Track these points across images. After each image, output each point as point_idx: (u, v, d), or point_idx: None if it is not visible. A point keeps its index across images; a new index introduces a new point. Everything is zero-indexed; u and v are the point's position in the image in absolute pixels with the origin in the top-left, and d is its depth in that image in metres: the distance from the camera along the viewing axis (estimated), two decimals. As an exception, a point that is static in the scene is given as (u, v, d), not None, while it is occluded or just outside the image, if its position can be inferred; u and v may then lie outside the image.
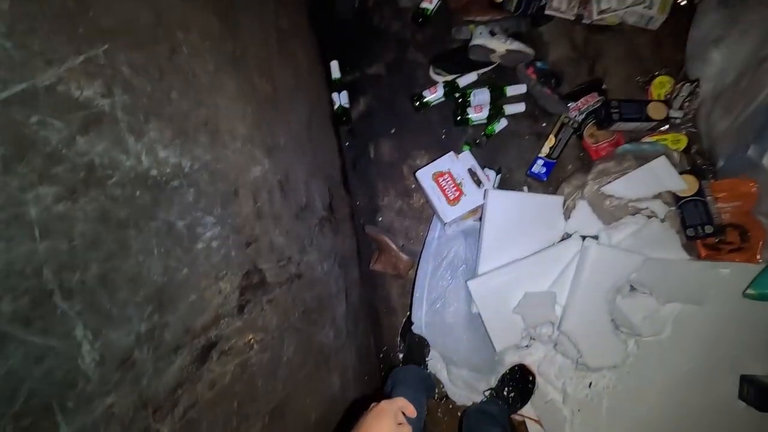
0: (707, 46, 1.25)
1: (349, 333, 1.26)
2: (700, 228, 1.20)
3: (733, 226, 1.21)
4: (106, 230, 0.48)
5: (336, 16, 1.60)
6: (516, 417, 1.42)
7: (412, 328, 1.39)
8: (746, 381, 1.13)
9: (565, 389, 1.31)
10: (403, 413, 0.69)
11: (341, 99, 1.56)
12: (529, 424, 1.41)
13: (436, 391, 1.48)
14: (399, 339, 1.52)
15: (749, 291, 1.13)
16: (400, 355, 1.50)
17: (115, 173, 0.50)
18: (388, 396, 0.89)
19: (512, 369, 1.40)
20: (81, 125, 0.46)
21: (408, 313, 1.48)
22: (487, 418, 1.27)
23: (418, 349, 1.44)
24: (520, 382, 1.38)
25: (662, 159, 1.22)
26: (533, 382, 1.38)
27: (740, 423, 1.14)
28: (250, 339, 0.73)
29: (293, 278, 0.93)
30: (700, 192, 1.21)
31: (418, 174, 1.39)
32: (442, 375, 1.47)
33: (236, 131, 0.79)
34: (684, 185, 1.21)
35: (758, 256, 1.18)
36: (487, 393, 1.39)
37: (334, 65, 1.57)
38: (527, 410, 1.40)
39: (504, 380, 1.39)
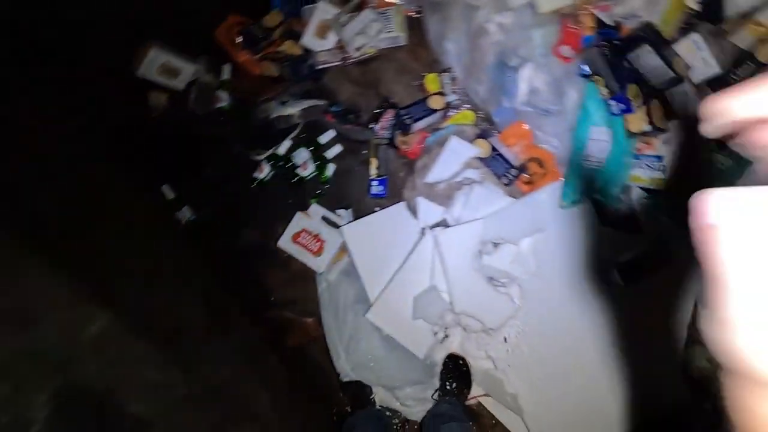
0: (441, 41, 1.53)
1: (282, 418, 1.27)
2: (508, 174, 1.42)
3: (530, 159, 1.45)
4: None
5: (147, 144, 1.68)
6: (470, 403, 1.50)
7: (341, 377, 1.43)
8: (611, 265, 1.34)
9: (490, 355, 1.42)
10: None
11: (186, 214, 1.62)
12: (484, 401, 1.49)
13: (396, 421, 1.51)
14: (341, 394, 1.54)
15: (562, 203, 1.35)
16: (348, 409, 1.52)
17: None
18: None
19: (444, 363, 1.49)
20: None
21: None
22: (442, 418, 1.34)
23: (359, 393, 1.47)
24: (456, 371, 1.47)
25: (453, 138, 1.45)
26: (466, 364, 1.47)
27: (615, 300, 1.34)
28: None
29: (180, 401, 0.94)
30: (494, 148, 1.44)
31: (279, 244, 1.48)
32: (394, 404, 1.51)
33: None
34: (479, 149, 1.43)
35: (558, 174, 1.42)
36: (435, 396, 1.46)
37: (166, 189, 1.64)
38: (476, 390, 1.49)
39: (443, 376, 1.47)
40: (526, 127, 1.43)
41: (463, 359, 1.48)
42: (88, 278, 0.96)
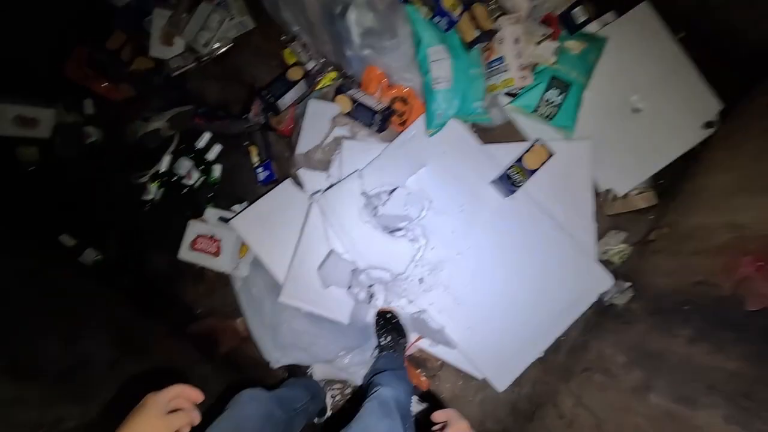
0: (278, 12, 1.50)
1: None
2: (374, 120, 1.41)
3: (393, 100, 1.44)
4: None
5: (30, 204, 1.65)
6: (412, 351, 1.50)
7: (271, 365, 1.43)
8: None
9: (411, 300, 1.42)
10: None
11: (90, 256, 1.60)
12: (423, 345, 1.49)
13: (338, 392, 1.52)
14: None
15: (429, 131, 1.34)
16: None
17: None
18: None
19: (375, 321, 1.48)
20: None
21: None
22: (376, 371, 1.34)
23: (294, 371, 1.48)
24: (387, 325, 1.47)
25: (311, 102, 1.44)
26: (394, 316, 1.47)
27: (503, 207, 1.34)
28: None
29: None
30: (354, 100, 1.42)
31: (180, 256, 1.47)
32: (339, 375, 1.51)
33: None
34: (339, 105, 1.42)
35: (421, 104, 1.41)
36: (375, 353, 1.46)
37: (64, 237, 1.61)
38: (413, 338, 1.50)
39: (378, 334, 1.47)
40: (378, 70, 1.41)
41: (390, 312, 1.48)
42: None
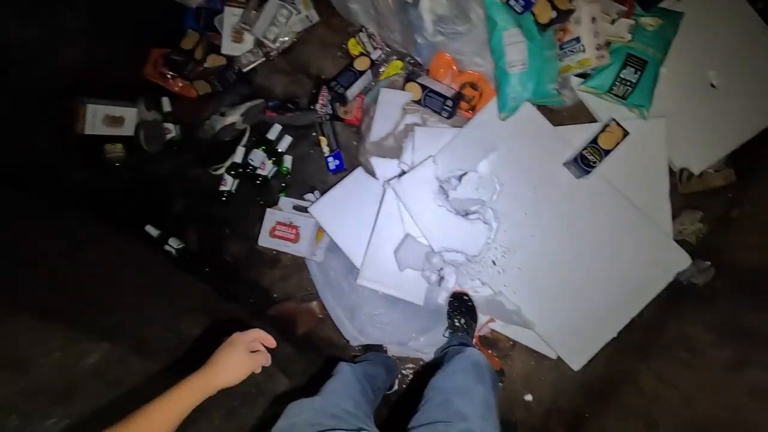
0: (345, 4, 1.55)
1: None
2: (445, 106, 1.43)
3: (462, 86, 1.46)
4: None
5: (116, 197, 1.77)
6: (484, 333, 1.54)
7: (351, 344, 1.49)
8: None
9: (484, 282, 1.45)
10: (264, 345, 0.73)
11: (173, 245, 1.71)
12: (495, 327, 1.52)
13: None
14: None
15: (501, 115, 1.36)
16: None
17: None
18: None
19: (450, 302, 1.52)
20: None
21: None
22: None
23: (372, 348, 1.55)
24: (461, 307, 1.51)
25: (383, 90, 1.48)
26: (470, 299, 1.51)
27: (576, 188, 1.35)
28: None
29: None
30: (424, 87, 1.45)
31: (260, 243, 1.55)
32: (412, 355, 1.57)
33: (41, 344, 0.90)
34: (410, 94, 1.45)
35: (493, 91, 1.43)
36: (446, 334, 1.50)
37: (149, 228, 1.73)
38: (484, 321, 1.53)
39: (450, 315, 1.52)
40: (448, 56, 1.44)
41: (467, 295, 1.51)
42: (82, 321, 1.05)
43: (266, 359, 0.71)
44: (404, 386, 1.61)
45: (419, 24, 1.35)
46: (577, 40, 1.27)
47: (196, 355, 1.24)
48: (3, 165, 1.43)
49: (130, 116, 1.73)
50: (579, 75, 1.41)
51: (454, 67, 1.45)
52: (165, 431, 0.56)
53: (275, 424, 0.80)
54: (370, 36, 1.61)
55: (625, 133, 1.37)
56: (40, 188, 1.47)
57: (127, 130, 1.74)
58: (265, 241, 1.55)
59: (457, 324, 1.49)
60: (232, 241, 1.73)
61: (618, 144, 1.37)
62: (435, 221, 1.40)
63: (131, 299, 1.29)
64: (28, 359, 0.86)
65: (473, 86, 1.45)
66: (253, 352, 0.72)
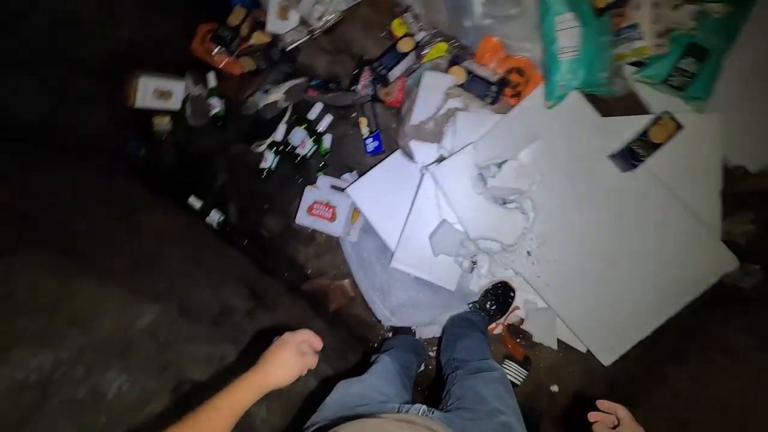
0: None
1: (338, 368, 1.40)
2: (488, 91, 1.41)
3: (509, 71, 1.43)
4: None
5: (163, 168, 1.85)
6: (512, 321, 1.54)
7: (382, 323, 1.53)
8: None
9: (518, 271, 1.45)
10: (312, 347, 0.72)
11: (215, 218, 1.78)
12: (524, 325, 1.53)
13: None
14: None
15: (548, 103, 1.33)
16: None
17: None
18: None
19: (495, 285, 1.53)
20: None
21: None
22: (468, 323, 1.40)
23: (401, 330, 1.58)
24: (501, 297, 1.51)
25: (427, 73, 1.46)
26: (513, 297, 1.51)
27: (620, 182, 1.31)
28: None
29: (233, 367, 1.09)
30: (469, 71, 1.43)
31: (297, 221, 1.59)
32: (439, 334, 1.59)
33: (103, 307, 0.98)
34: (454, 78, 1.43)
35: (541, 78, 1.39)
36: (470, 306, 1.51)
37: (192, 199, 1.80)
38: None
39: (487, 295, 1.52)
40: (495, 40, 1.40)
41: (513, 291, 1.51)
42: (135, 284, 1.13)
43: (314, 361, 0.71)
44: (430, 367, 1.64)
45: (467, 6, 1.32)
46: (635, 26, 1.21)
47: (236, 324, 1.31)
48: (63, 137, 1.52)
49: (177, 91, 1.79)
50: (633, 63, 1.35)
51: (501, 52, 1.41)
52: (224, 428, 0.58)
53: (327, 397, 0.83)
54: (415, 17, 1.58)
55: (679, 127, 1.31)
56: (95, 158, 1.55)
57: (175, 104, 1.80)
58: (302, 218, 1.59)
59: (487, 306, 1.50)
60: (270, 216, 1.78)
61: (670, 138, 1.31)
62: (472, 208, 1.39)
63: (177, 267, 1.36)
64: (91, 318, 0.93)
65: (520, 72, 1.41)
66: (304, 353, 0.71)
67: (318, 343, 0.73)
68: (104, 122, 1.70)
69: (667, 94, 1.35)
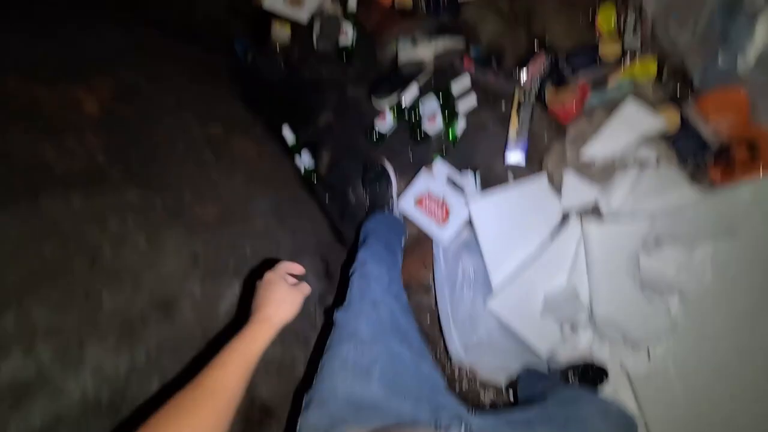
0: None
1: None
2: (698, 157, 1.09)
3: (738, 141, 1.09)
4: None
5: (265, 82, 1.60)
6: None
7: (451, 357, 1.37)
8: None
9: (626, 367, 1.23)
10: (292, 275, 0.71)
11: (304, 161, 1.57)
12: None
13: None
14: (362, 189, 1.51)
15: (778, 207, 1.01)
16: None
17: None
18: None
19: (588, 365, 1.30)
20: (12, 400, 0.50)
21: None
22: (541, 375, 1.24)
23: (380, 191, 1.43)
24: (591, 380, 1.29)
25: (630, 102, 1.13)
26: (602, 384, 1.29)
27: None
28: None
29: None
30: (685, 120, 1.09)
31: (401, 207, 1.37)
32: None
33: (188, 284, 0.82)
34: (662, 121, 1.10)
35: (776, 162, 1.05)
36: (551, 367, 1.32)
37: (286, 131, 1.58)
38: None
39: (574, 369, 1.31)
40: (743, 95, 1.05)
41: (605, 379, 1.29)
42: (221, 249, 0.96)
43: (307, 287, 0.69)
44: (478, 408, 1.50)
45: (740, 42, 0.96)
46: None
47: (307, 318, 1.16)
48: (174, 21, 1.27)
49: (311, 2, 1.48)
50: None
51: (743, 114, 1.06)
52: (240, 380, 0.54)
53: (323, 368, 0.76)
54: (639, 15, 1.20)
55: None
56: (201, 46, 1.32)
57: (302, 15, 1.50)
58: (407, 205, 1.36)
59: (569, 380, 1.31)
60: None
61: None
62: (613, 288, 1.15)
63: (262, 224, 1.19)
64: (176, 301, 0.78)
65: (752, 147, 1.07)
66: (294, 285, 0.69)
67: (299, 269, 0.72)
68: (222, 12, 1.44)
69: None
